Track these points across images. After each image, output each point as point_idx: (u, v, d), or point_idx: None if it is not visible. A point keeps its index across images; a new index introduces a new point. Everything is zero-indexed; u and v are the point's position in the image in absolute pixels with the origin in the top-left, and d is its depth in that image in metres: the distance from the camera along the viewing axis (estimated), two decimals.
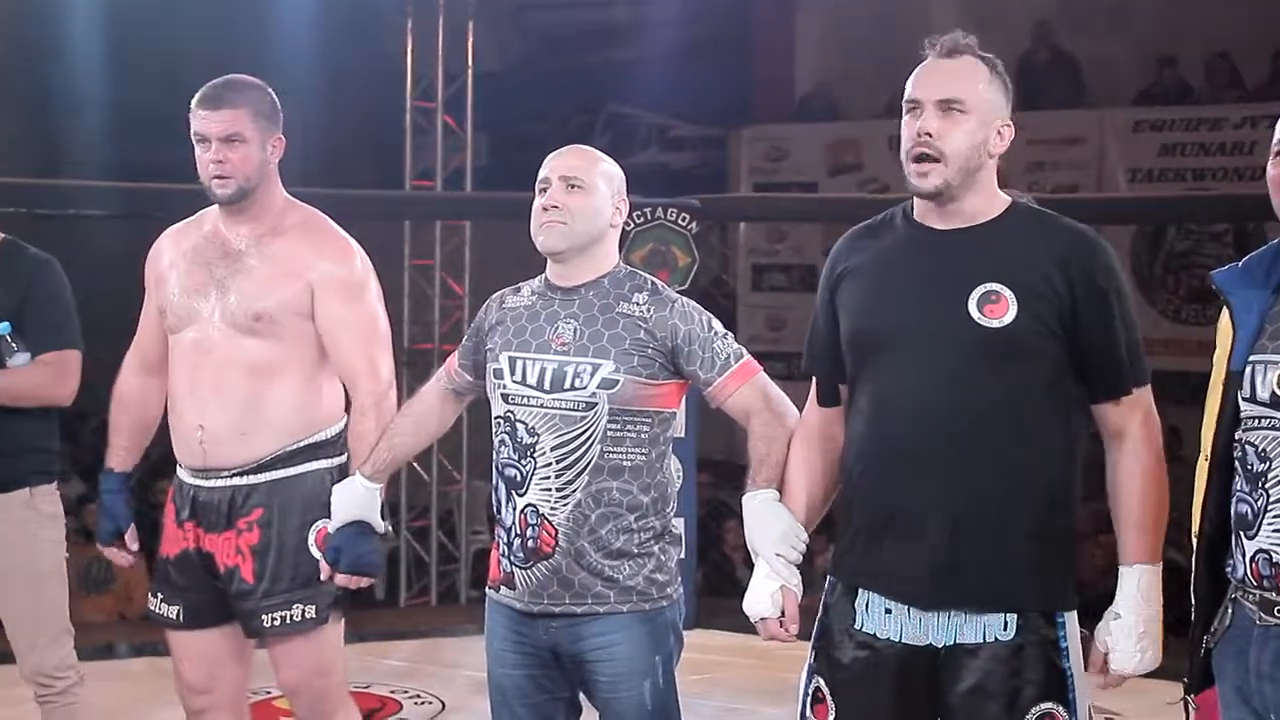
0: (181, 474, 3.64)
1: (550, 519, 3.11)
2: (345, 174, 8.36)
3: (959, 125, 2.77)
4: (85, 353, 3.95)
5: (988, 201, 2.82)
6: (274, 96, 3.61)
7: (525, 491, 3.13)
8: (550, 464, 3.12)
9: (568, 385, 3.12)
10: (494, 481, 3.22)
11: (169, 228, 3.76)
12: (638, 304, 3.18)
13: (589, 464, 3.11)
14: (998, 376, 2.72)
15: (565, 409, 3.12)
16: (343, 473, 3.55)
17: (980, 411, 2.72)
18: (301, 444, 3.56)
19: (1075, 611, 2.79)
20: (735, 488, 10.19)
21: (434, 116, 8.85)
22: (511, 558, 3.17)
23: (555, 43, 12.84)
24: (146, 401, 3.76)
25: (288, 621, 3.54)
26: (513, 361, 3.19)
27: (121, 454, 3.76)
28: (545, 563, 3.12)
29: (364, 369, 3.56)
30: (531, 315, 3.23)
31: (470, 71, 8.95)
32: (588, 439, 3.11)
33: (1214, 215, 9.10)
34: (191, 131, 3.55)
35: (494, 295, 3.36)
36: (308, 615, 3.55)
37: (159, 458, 7.70)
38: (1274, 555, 2.51)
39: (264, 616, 3.54)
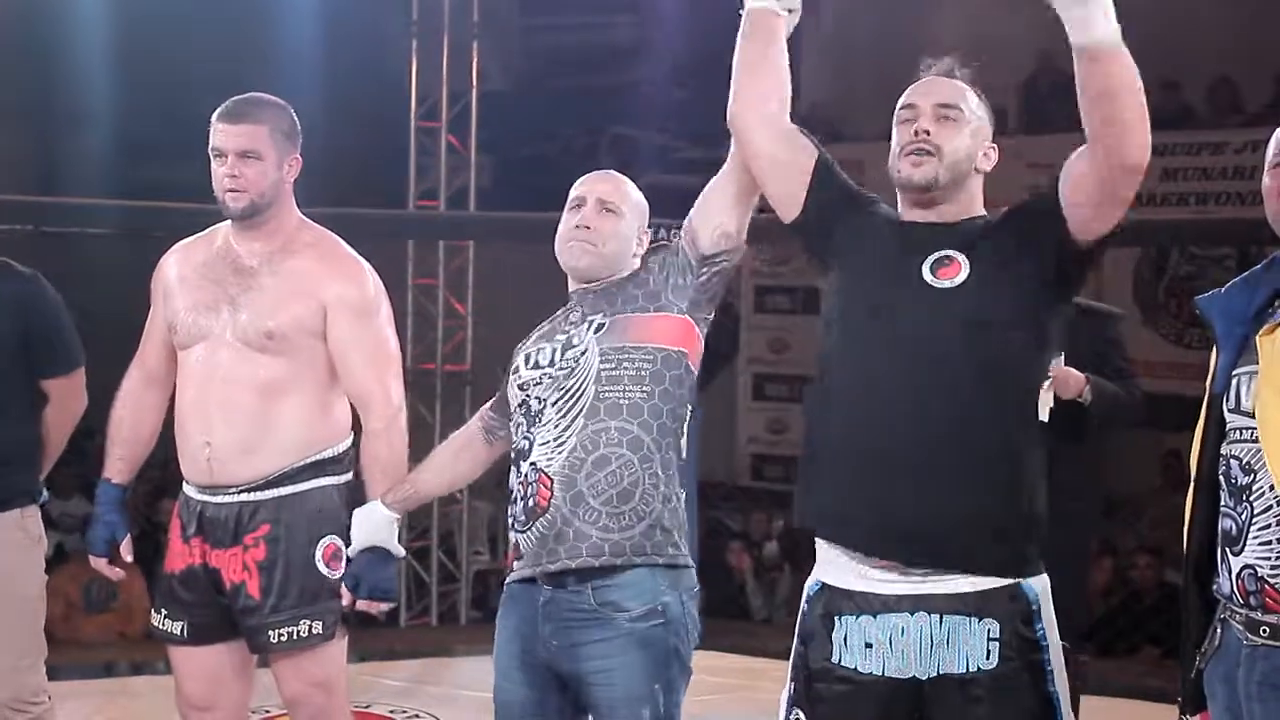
0: (188, 490, 3.64)
1: (546, 470, 3.10)
2: (349, 194, 8.35)
3: (954, 129, 2.86)
4: (90, 371, 3.94)
5: (966, 211, 2.89)
6: (294, 116, 3.61)
7: (529, 455, 3.14)
8: (550, 419, 3.13)
9: (569, 349, 3.17)
10: (510, 471, 3.22)
11: (178, 242, 3.77)
12: (644, 266, 3.27)
13: (584, 406, 3.11)
14: (953, 337, 2.75)
15: (565, 370, 3.16)
16: (349, 489, 3.57)
17: (939, 375, 2.74)
18: (309, 460, 3.57)
19: (1058, 641, 2.77)
20: (734, 509, 10.22)
21: (438, 136, 8.87)
22: (515, 526, 3.16)
23: (560, 63, 12.85)
24: (145, 414, 3.75)
25: (295, 637, 3.54)
26: (527, 356, 3.24)
27: (118, 465, 3.74)
28: (544, 518, 3.10)
29: (376, 391, 3.57)
30: (550, 321, 3.30)
31: (474, 92, 8.97)
32: (582, 383, 3.13)
33: (1217, 239, 9.11)
34: (209, 145, 3.56)
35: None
36: (315, 631, 3.55)
37: (162, 477, 7.73)
38: (1259, 570, 2.51)
39: (270, 632, 3.54)
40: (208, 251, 3.66)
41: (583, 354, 3.15)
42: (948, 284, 2.77)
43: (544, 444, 3.12)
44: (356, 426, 3.64)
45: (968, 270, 2.76)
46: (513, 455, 3.22)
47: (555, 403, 3.13)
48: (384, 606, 3.50)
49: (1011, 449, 2.76)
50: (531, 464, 3.13)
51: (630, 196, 3.32)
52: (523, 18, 12.78)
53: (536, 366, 3.21)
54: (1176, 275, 10.03)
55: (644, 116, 11.70)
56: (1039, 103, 10.49)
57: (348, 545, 3.50)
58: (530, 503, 3.11)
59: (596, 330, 3.16)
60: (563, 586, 3.11)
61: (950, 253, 2.79)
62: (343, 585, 3.47)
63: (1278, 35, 9.95)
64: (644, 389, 3.13)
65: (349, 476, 3.59)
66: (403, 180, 8.92)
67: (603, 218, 3.25)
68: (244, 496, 3.55)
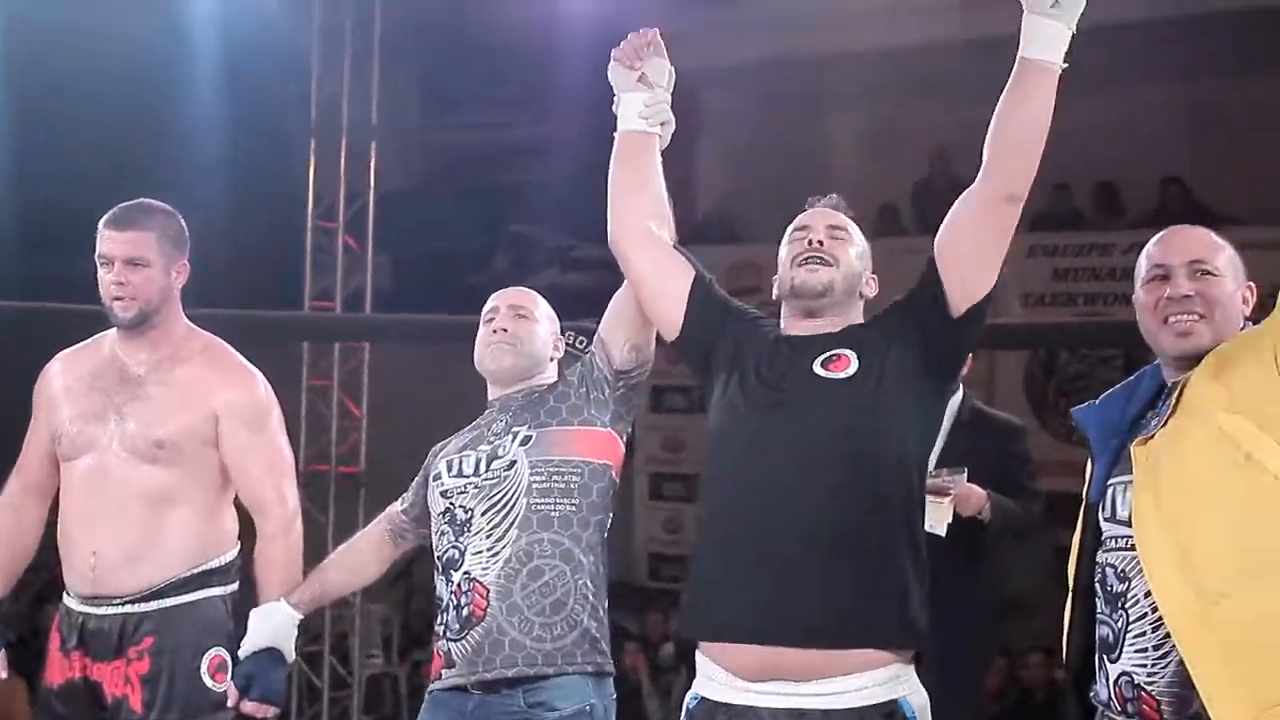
0: (69, 601, 3.57)
1: (481, 580, 3.15)
2: (247, 294, 8.29)
3: (846, 245, 2.96)
4: None
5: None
6: (182, 222, 3.61)
7: (461, 564, 3.19)
8: (482, 529, 3.18)
9: (495, 459, 3.23)
10: (435, 581, 3.27)
11: (61, 351, 3.72)
12: (563, 379, 3.36)
13: (517, 517, 3.17)
14: (844, 428, 2.79)
15: (493, 480, 3.22)
16: (234, 600, 3.54)
17: (830, 467, 2.77)
18: (196, 571, 3.53)
19: None
20: (631, 609, 10.15)
21: (335, 236, 8.84)
22: (447, 634, 3.20)
23: (458, 163, 12.87)
24: (24, 526, 3.69)
25: None
26: (450, 463, 3.31)
27: None
28: (479, 627, 3.14)
29: (272, 497, 3.56)
30: (472, 428, 3.38)
31: (372, 192, 8.96)
32: (513, 494, 3.18)
33: (1105, 340, 9.26)
34: (96, 252, 3.52)
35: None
36: None
37: (48, 581, 7.56)
38: (1135, 677, 2.54)
39: None
40: (94, 360, 3.61)
41: (511, 465, 3.21)
42: (839, 375, 2.82)
43: (477, 553, 3.17)
44: (243, 536, 3.61)
45: (857, 364, 2.82)
46: (439, 563, 3.26)
47: (485, 513, 3.19)
48: (271, 711, 3.47)
49: (896, 534, 2.79)
50: (465, 573, 3.18)
51: (541, 305, 3.45)
52: (422, 118, 12.82)
53: (460, 475, 3.26)
54: (1066, 375, 10.16)
55: (542, 215, 11.73)
56: (934, 203, 10.61)
57: (233, 656, 3.45)
58: (465, 611, 3.16)
59: (523, 443, 3.23)
60: (495, 691, 3.15)
61: (839, 350, 2.84)
62: (231, 684, 3.44)
63: (1163, 141, 10.20)
64: (573, 502, 3.20)
65: (235, 587, 3.57)
66: (299, 281, 8.87)
67: (518, 322, 3.36)
68: (128, 608, 3.49)
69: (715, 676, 2.81)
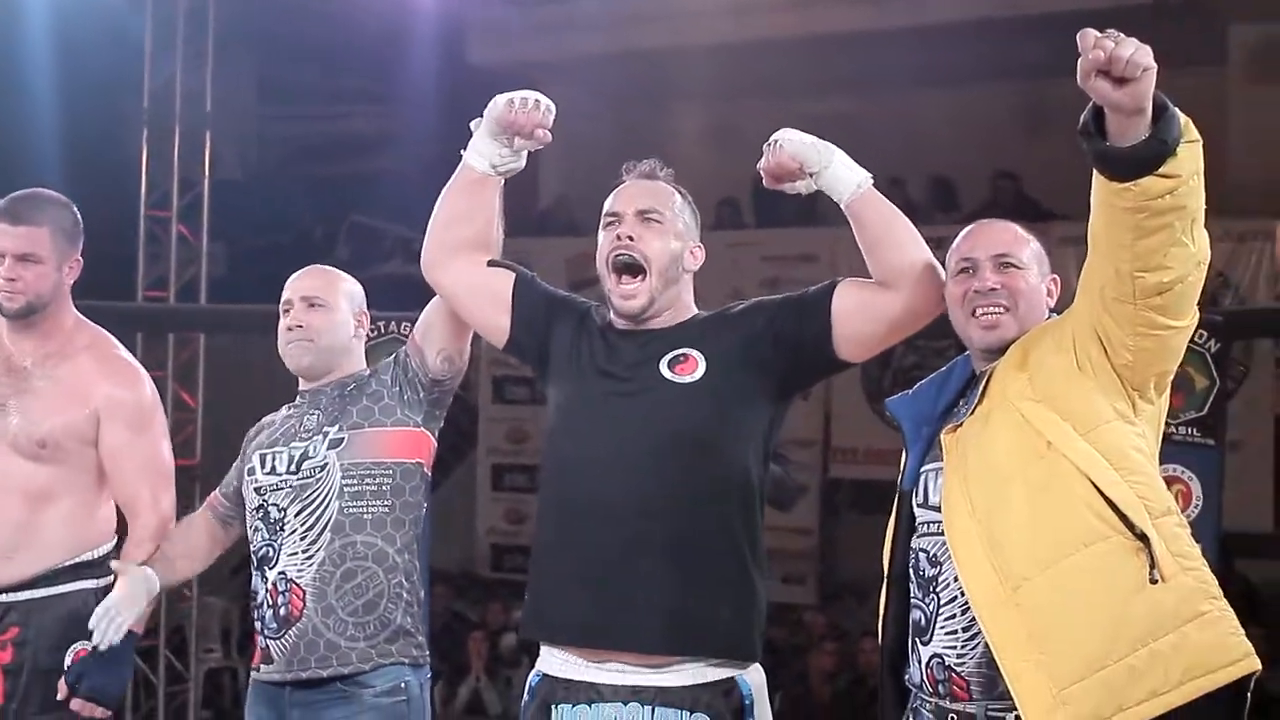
0: None
1: (298, 581, 3.18)
2: (79, 284, 8.11)
3: (657, 234, 2.92)
4: None
5: (680, 314, 2.96)
6: (77, 215, 3.53)
7: (276, 563, 3.21)
8: (296, 530, 3.20)
9: (306, 459, 3.24)
10: (252, 573, 3.28)
11: None
12: (376, 376, 3.33)
13: (329, 521, 3.19)
14: (691, 431, 2.80)
15: (305, 479, 3.23)
16: (105, 594, 3.46)
17: (676, 468, 2.79)
18: (68, 563, 3.48)
19: None
20: (473, 600, 10.13)
21: (169, 225, 8.69)
22: (265, 631, 3.22)
23: (298, 153, 12.74)
24: None
25: None
26: (263, 457, 3.30)
27: None
28: (296, 627, 3.18)
29: (145, 500, 3.51)
30: (284, 420, 3.37)
31: (207, 180, 8.81)
32: (325, 497, 3.19)
33: (939, 332, 9.42)
34: None
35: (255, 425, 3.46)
36: None
37: None
38: (946, 659, 2.61)
39: None
40: None
41: (322, 468, 3.21)
42: (686, 380, 2.82)
43: (293, 554, 3.19)
44: (120, 530, 3.55)
45: (704, 366, 2.82)
46: (254, 557, 3.27)
47: (299, 514, 3.20)
48: (99, 712, 3.41)
49: (736, 544, 2.82)
50: (281, 573, 3.20)
51: (337, 285, 3.40)
52: (260, 107, 12.65)
53: (273, 472, 3.25)
54: (901, 366, 10.31)
55: (385, 206, 11.65)
56: (773, 197, 10.72)
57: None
58: (283, 611, 3.19)
59: (334, 445, 3.23)
60: (312, 687, 3.20)
61: (686, 350, 2.85)
62: (63, 679, 3.39)
63: (995, 138, 10.42)
64: (386, 503, 3.22)
65: (109, 580, 3.49)
66: (132, 270, 8.70)
67: (311, 313, 3.32)
68: None
69: (556, 654, 2.86)
